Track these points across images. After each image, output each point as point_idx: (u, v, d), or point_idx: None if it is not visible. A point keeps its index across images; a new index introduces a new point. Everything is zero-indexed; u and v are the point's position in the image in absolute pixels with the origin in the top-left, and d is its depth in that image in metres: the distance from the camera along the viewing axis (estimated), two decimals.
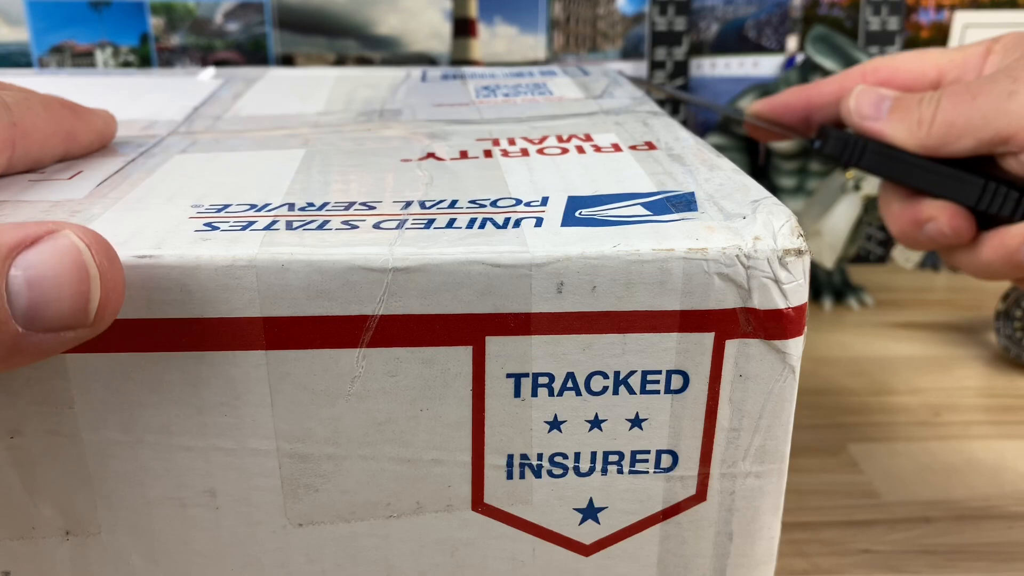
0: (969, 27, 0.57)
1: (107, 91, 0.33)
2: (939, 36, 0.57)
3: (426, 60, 0.55)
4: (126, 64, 0.54)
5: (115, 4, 0.53)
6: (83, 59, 0.54)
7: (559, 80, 0.35)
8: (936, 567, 0.32)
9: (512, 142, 0.25)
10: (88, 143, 0.23)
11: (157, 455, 0.19)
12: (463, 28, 0.55)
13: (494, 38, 0.55)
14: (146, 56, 0.54)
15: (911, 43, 0.58)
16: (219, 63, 0.54)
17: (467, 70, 0.39)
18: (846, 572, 0.31)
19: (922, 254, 0.52)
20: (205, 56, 0.54)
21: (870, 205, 0.51)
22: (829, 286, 0.55)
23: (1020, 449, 0.39)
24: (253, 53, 0.54)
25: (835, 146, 0.31)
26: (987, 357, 0.48)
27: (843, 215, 0.50)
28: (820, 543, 0.33)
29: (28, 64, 0.53)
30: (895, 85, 0.31)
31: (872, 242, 0.62)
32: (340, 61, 0.55)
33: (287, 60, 0.55)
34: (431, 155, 0.23)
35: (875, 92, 0.30)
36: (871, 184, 0.50)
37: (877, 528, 0.34)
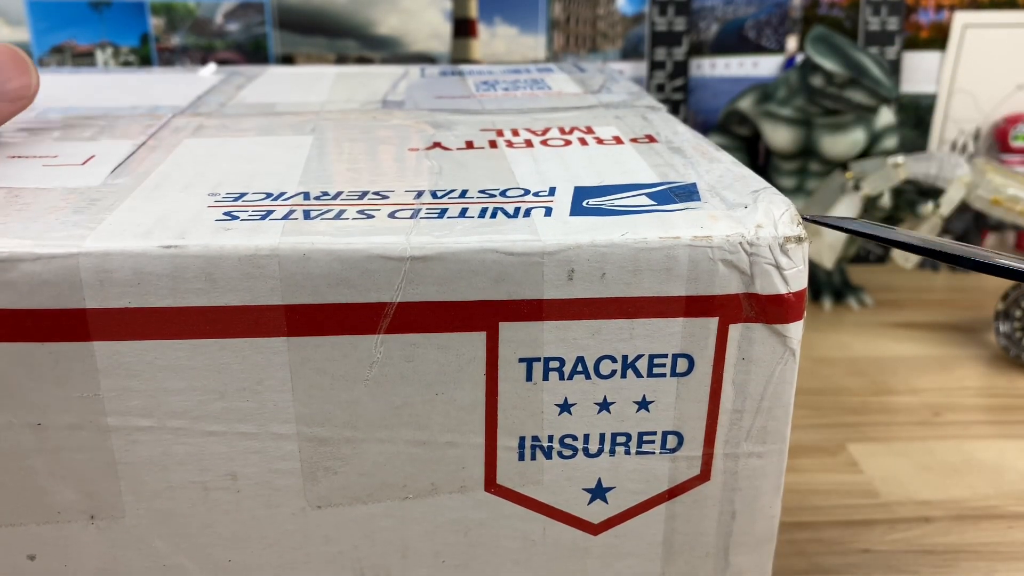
0: (969, 27, 0.58)
1: (108, 85, 0.33)
2: (939, 36, 0.58)
3: (426, 60, 0.56)
4: (126, 64, 0.55)
5: (115, 4, 0.54)
6: (83, 59, 0.54)
7: (556, 76, 0.36)
8: (936, 567, 0.32)
9: (516, 133, 0.25)
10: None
11: (180, 440, 0.19)
12: (463, 28, 0.55)
13: (494, 38, 0.55)
14: (146, 56, 0.55)
15: (911, 43, 0.58)
16: (219, 63, 0.55)
17: (465, 67, 0.39)
18: (846, 572, 0.32)
19: None
20: (205, 56, 0.55)
21: (870, 205, 0.51)
22: (829, 286, 0.55)
23: (1020, 449, 0.39)
24: (253, 53, 0.55)
25: None
26: (987, 357, 0.48)
27: (843, 215, 0.51)
28: (820, 543, 0.33)
29: None
30: None
31: (872, 242, 0.62)
32: (340, 61, 0.55)
33: (287, 60, 0.55)
34: (437, 144, 0.24)
35: None
36: (871, 184, 0.50)
37: (877, 528, 0.34)
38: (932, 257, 0.21)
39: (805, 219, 0.20)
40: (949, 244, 0.20)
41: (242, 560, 0.21)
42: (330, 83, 0.34)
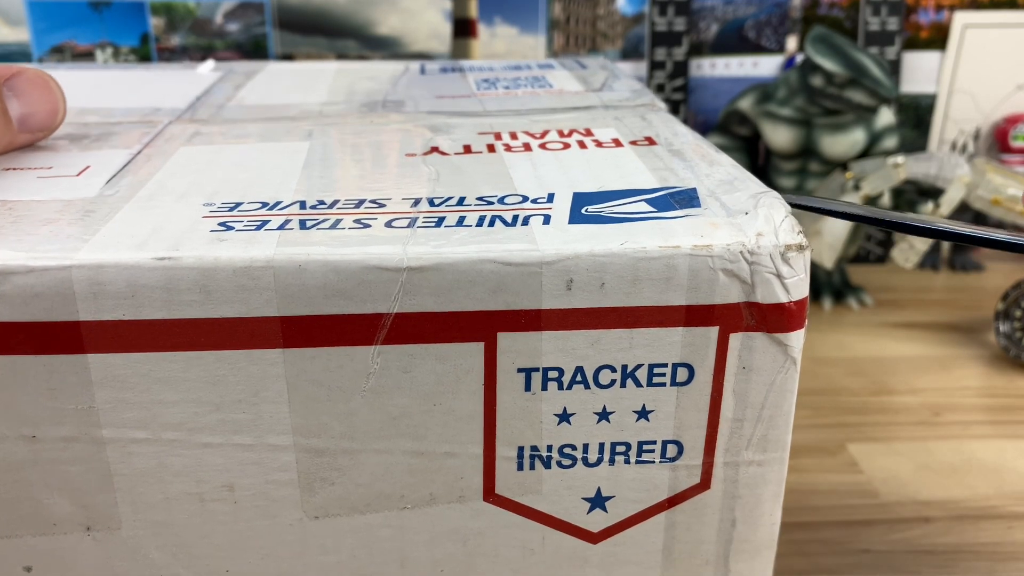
0: (969, 27, 0.57)
1: (107, 83, 0.33)
2: (939, 37, 0.58)
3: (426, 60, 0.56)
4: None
5: (115, 4, 0.53)
6: (83, 59, 0.54)
7: (557, 73, 0.35)
8: (936, 567, 0.32)
9: (514, 136, 0.25)
10: None
11: (176, 452, 0.19)
12: (463, 28, 0.55)
13: (494, 38, 0.55)
14: (146, 56, 0.54)
15: (911, 43, 0.58)
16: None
17: (465, 63, 0.39)
18: (846, 572, 0.32)
19: (922, 254, 0.53)
20: (205, 56, 0.55)
21: (870, 205, 0.51)
22: (829, 286, 0.55)
23: (1020, 449, 0.39)
24: (253, 53, 0.55)
25: None
26: (987, 357, 0.48)
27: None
28: (820, 543, 0.33)
29: None
30: None
31: (872, 242, 0.62)
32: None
33: (287, 60, 0.55)
34: (435, 149, 0.24)
35: None
36: (871, 184, 0.50)
37: (877, 528, 0.34)
38: (924, 235, 0.20)
39: (793, 206, 0.19)
40: (939, 221, 0.20)
41: (239, 571, 0.21)
42: (329, 81, 0.34)
